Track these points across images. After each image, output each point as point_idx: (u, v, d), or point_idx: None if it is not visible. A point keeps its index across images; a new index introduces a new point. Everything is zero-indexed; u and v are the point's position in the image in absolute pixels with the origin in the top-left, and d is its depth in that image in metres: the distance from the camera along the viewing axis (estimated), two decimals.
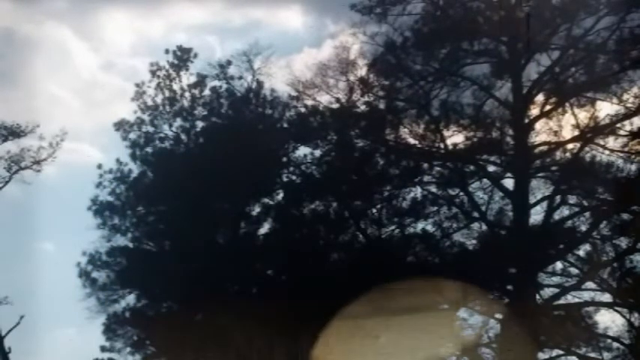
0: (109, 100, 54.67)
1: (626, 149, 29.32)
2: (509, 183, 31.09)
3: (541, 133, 30.83)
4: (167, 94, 35.57)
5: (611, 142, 29.91)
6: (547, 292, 30.63)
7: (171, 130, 35.52)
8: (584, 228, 30.33)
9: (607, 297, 29.91)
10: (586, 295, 30.65)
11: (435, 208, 31.78)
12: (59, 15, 56.17)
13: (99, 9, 55.79)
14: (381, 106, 32.80)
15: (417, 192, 32.04)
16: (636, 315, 28.83)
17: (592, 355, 30.09)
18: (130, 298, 35.30)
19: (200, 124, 35.54)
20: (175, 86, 35.66)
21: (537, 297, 30.38)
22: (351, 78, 32.67)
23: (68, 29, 63.11)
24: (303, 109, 33.85)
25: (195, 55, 36.02)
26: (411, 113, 32.09)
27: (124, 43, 57.38)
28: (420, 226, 31.97)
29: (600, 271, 29.76)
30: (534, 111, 30.94)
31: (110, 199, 35.56)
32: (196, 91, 35.68)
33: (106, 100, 53.74)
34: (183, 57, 35.86)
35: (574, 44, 30.05)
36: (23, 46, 52.97)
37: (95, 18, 57.84)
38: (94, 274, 35.17)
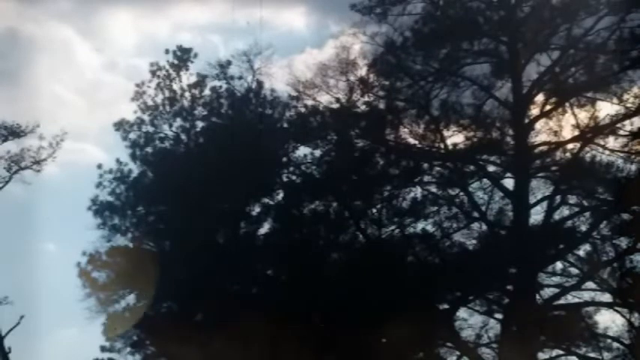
0: (113, 100, 54.70)
1: (626, 149, 29.35)
2: (509, 183, 31.13)
3: (541, 133, 30.90)
4: (167, 94, 35.53)
5: (611, 142, 29.99)
6: (547, 292, 30.65)
7: (171, 130, 35.50)
8: (584, 228, 30.33)
9: (607, 297, 29.93)
10: (586, 295, 30.69)
11: (435, 208, 31.78)
12: (62, 15, 56.25)
13: (102, 9, 55.72)
14: (381, 106, 32.81)
15: (417, 192, 32.09)
16: (636, 315, 28.82)
17: (592, 355, 30.11)
18: (130, 298, 35.32)
19: (200, 124, 35.55)
20: (175, 86, 35.63)
21: (537, 297, 30.36)
22: (351, 78, 32.71)
23: (71, 29, 63.19)
24: (303, 109, 33.87)
25: (196, 55, 35.99)
26: (411, 113, 32.10)
27: (127, 42, 57.41)
28: (420, 226, 32.04)
29: (600, 271, 29.77)
30: (534, 111, 30.96)
31: (110, 199, 35.53)
32: (196, 91, 35.64)
33: (110, 100, 53.77)
34: (183, 57, 35.82)
35: (574, 44, 30.05)
36: (26, 45, 52.95)
37: (99, 18, 57.84)
38: (94, 274, 35.16)
